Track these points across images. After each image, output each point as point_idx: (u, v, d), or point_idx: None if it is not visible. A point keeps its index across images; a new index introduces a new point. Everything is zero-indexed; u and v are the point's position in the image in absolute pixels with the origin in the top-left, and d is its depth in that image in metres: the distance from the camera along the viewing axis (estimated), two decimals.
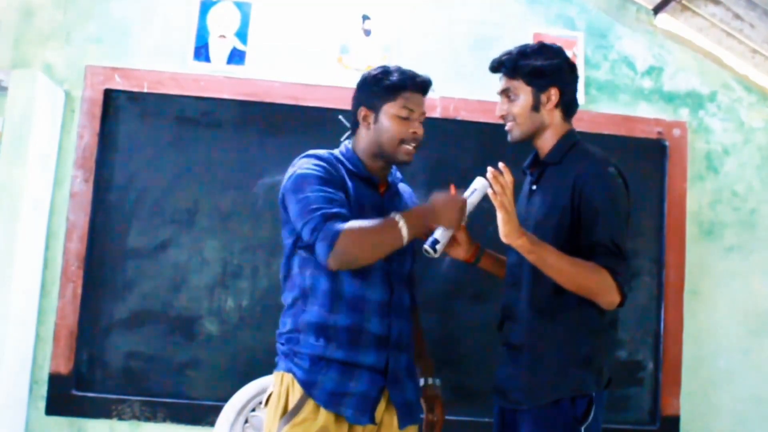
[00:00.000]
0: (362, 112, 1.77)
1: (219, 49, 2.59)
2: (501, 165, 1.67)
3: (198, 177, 2.53)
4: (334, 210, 1.62)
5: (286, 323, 1.74)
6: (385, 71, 1.78)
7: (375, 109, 1.75)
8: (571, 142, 1.81)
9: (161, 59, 2.57)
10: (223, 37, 2.60)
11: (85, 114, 2.51)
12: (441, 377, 1.95)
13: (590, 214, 1.68)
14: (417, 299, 1.95)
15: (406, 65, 2.59)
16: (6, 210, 2.30)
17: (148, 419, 2.42)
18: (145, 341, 2.45)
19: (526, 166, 1.91)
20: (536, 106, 1.78)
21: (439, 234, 1.68)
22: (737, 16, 2.58)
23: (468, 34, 2.70)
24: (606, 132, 2.65)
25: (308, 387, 1.66)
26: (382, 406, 1.70)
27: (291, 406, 1.65)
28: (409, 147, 1.75)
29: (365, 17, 2.65)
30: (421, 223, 1.67)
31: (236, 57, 2.60)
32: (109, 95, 2.53)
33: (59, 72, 2.54)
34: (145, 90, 2.53)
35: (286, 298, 1.77)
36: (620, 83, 2.73)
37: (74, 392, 2.42)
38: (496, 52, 2.68)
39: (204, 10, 2.61)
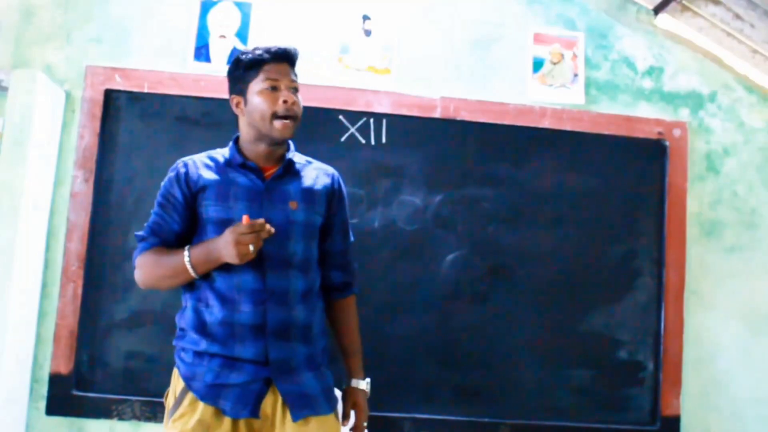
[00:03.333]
0: (233, 100, 1.77)
1: (219, 49, 2.59)
2: None
3: None
4: (145, 235, 1.75)
5: (177, 323, 1.77)
6: (243, 52, 1.76)
7: (243, 92, 1.74)
8: None
9: (161, 59, 2.57)
10: (224, 37, 2.60)
11: (85, 114, 2.51)
12: (371, 377, 1.87)
13: None
14: (354, 286, 1.90)
15: (406, 65, 2.64)
16: (6, 210, 2.30)
17: (148, 419, 2.42)
18: (146, 341, 2.45)
19: None
20: None
21: None
22: (737, 16, 2.58)
23: (468, 34, 2.71)
24: (606, 132, 2.66)
25: (188, 380, 1.67)
26: (270, 399, 1.65)
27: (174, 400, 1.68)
28: (284, 121, 1.70)
29: (365, 17, 2.65)
30: (204, 258, 1.64)
31: None
32: (110, 95, 2.53)
33: (59, 72, 2.55)
34: (146, 90, 2.53)
35: None
36: (620, 83, 2.73)
37: (74, 392, 2.42)
38: (496, 52, 2.71)
39: (204, 10, 2.61)
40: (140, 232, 1.78)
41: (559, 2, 2.74)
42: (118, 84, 2.53)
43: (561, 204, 2.62)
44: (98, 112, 2.51)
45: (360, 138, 2.57)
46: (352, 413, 1.81)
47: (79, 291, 2.45)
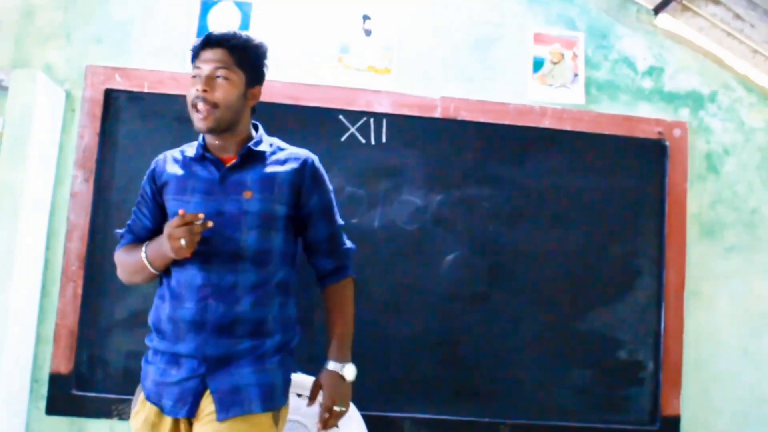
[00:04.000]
0: None
1: None
2: None
3: None
4: (123, 232, 1.80)
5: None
6: None
7: None
8: None
9: (161, 59, 2.57)
10: None
11: (85, 114, 2.51)
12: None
13: None
14: (348, 269, 1.80)
15: (406, 65, 2.64)
16: (6, 210, 2.30)
17: None
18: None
19: None
20: None
21: None
22: (738, 16, 2.58)
23: (468, 34, 2.71)
24: (606, 132, 2.66)
25: (143, 379, 1.68)
26: (208, 398, 1.60)
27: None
28: (197, 114, 1.64)
29: (365, 17, 2.65)
30: (156, 253, 1.63)
31: None
32: (110, 95, 2.53)
33: (60, 72, 2.54)
34: (146, 90, 2.53)
35: None
36: (621, 83, 2.73)
37: (74, 392, 2.42)
38: (496, 52, 2.71)
39: (204, 10, 2.61)
40: (119, 230, 1.80)
41: (559, 2, 2.74)
42: (118, 84, 2.53)
43: (561, 204, 2.62)
44: (98, 112, 2.51)
45: (360, 138, 2.57)
46: (320, 396, 1.72)
47: (79, 291, 2.45)
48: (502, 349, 2.55)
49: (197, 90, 1.63)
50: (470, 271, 2.56)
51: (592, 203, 2.63)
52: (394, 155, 2.57)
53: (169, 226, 1.55)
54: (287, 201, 1.69)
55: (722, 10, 2.58)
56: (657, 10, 2.72)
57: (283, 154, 1.74)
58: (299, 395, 2.34)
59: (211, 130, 1.66)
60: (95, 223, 2.48)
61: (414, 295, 2.53)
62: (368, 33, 2.65)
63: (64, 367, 2.42)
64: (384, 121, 2.58)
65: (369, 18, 2.65)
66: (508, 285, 2.57)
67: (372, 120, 2.58)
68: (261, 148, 1.73)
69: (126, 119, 2.54)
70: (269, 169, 1.69)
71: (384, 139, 2.58)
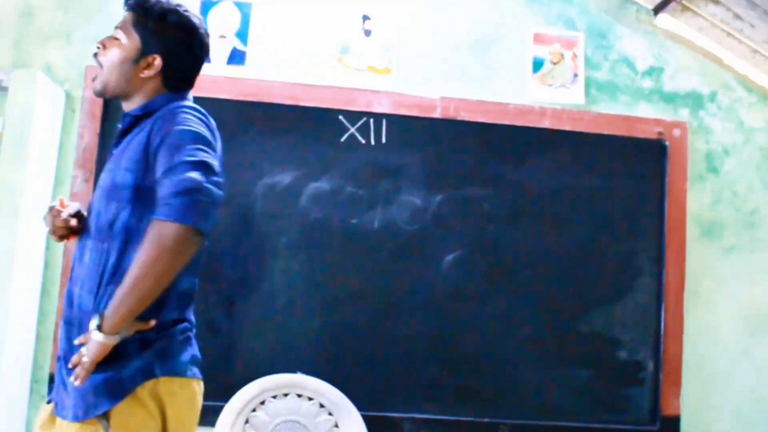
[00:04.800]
0: None
1: (219, 50, 2.59)
2: None
3: None
4: None
5: None
6: None
7: None
8: None
9: None
10: (224, 37, 2.60)
11: (85, 114, 2.51)
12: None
13: None
14: (165, 210, 1.29)
15: (406, 65, 2.64)
16: (6, 210, 2.30)
17: None
18: None
19: None
20: None
21: None
22: (737, 16, 2.59)
23: (468, 34, 2.71)
24: (606, 132, 2.66)
25: None
26: None
27: None
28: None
29: (365, 17, 2.65)
30: None
31: (236, 57, 2.60)
32: None
33: (60, 72, 2.54)
34: None
35: None
36: (620, 83, 2.73)
37: None
38: (496, 52, 2.71)
39: (204, 10, 2.61)
40: None
41: (559, 2, 2.74)
42: None
43: (561, 204, 2.62)
44: (98, 112, 2.51)
45: (360, 138, 2.57)
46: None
47: None
48: (502, 349, 2.55)
49: None
50: (470, 271, 2.56)
51: (592, 203, 2.63)
52: (393, 155, 2.57)
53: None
54: (135, 167, 1.40)
55: (722, 10, 2.59)
56: (657, 10, 2.72)
57: (156, 117, 1.46)
58: (299, 395, 2.34)
59: (97, 94, 1.52)
60: None
61: (414, 295, 2.53)
62: (368, 33, 2.65)
63: None
64: (384, 121, 2.58)
65: (369, 18, 2.65)
66: (508, 285, 2.57)
67: (372, 120, 2.58)
68: (136, 112, 1.50)
69: None
70: (132, 140, 1.45)
71: (384, 140, 2.58)
